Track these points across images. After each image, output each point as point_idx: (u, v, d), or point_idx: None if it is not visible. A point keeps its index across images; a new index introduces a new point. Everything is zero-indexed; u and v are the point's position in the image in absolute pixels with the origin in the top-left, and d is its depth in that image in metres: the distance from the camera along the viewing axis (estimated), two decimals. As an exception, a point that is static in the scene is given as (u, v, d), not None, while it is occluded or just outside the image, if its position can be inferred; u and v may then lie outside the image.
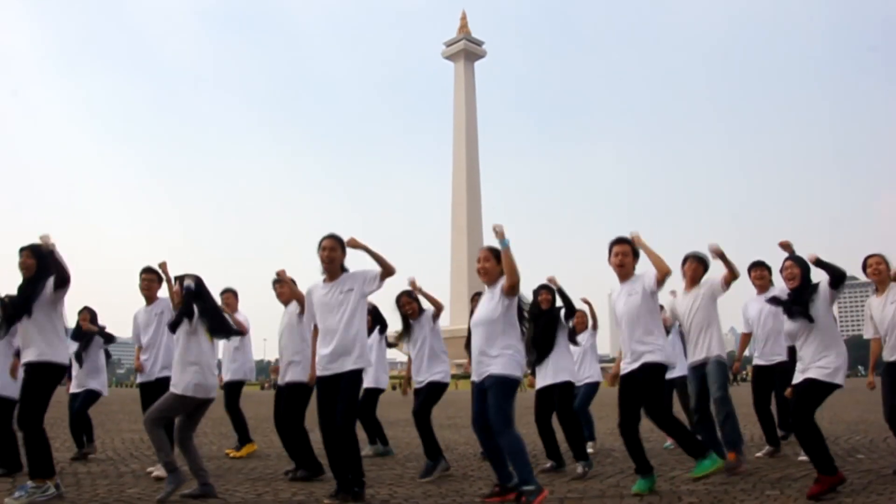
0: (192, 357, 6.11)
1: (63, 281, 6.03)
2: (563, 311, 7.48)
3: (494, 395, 5.48)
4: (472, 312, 6.13)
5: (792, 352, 6.40)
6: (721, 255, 6.56)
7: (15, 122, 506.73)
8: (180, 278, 6.38)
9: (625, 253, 6.13)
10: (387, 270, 5.87)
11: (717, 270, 7.16)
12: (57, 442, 10.78)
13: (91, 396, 9.24)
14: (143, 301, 7.98)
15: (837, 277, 5.98)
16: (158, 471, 7.10)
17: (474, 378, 5.70)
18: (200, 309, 6.22)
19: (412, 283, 7.79)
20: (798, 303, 6.04)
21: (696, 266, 7.14)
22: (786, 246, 6.43)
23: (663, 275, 5.88)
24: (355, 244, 5.88)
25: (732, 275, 6.82)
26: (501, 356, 5.54)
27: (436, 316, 7.80)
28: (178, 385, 6.06)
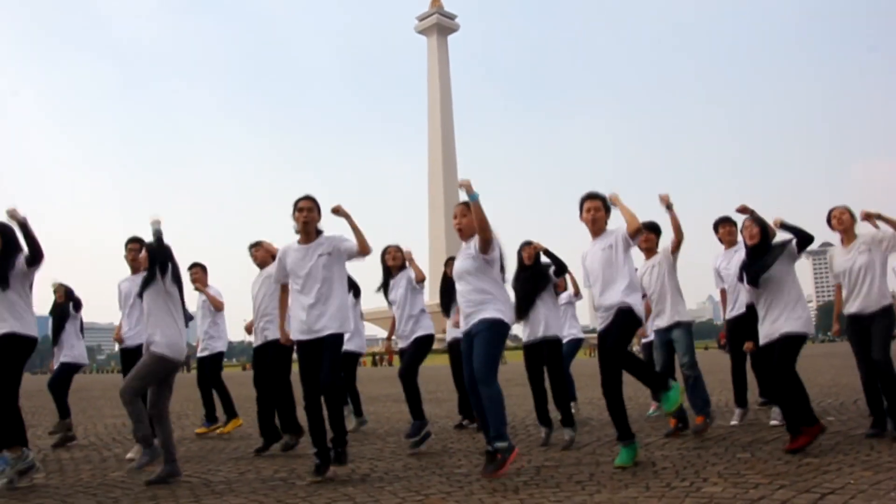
0: (167, 317, 6.11)
1: (36, 258, 6.07)
2: (551, 269, 7.38)
3: (482, 341, 5.61)
4: (444, 277, 6.22)
5: (751, 308, 6.60)
6: (669, 208, 6.73)
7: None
8: (148, 245, 6.36)
9: (596, 208, 6.14)
10: (362, 249, 5.90)
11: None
12: (39, 430, 10.79)
13: (65, 369, 9.20)
14: (127, 272, 8.07)
15: (804, 239, 6.29)
16: (133, 452, 7.23)
17: (462, 330, 5.76)
18: (172, 272, 6.23)
19: (408, 253, 7.89)
20: (755, 266, 6.28)
21: (648, 235, 7.41)
22: (743, 210, 6.60)
23: (634, 230, 5.91)
24: (340, 211, 5.84)
25: (678, 237, 7.05)
26: (491, 301, 5.70)
27: (418, 280, 7.80)
28: (158, 345, 6.04)
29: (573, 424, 7.16)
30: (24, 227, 5.98)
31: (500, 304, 5.76)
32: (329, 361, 5.81)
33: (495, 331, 5.66)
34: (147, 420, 6.08)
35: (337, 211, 5.84)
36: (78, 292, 9.51)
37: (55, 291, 9.33)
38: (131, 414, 6.07)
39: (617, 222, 6.15)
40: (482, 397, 5.64)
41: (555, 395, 7.22)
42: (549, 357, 7.25)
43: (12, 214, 5.93)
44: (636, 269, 7.24)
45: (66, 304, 9.31)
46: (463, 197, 5.77)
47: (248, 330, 7.91)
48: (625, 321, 5.96)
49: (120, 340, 7.97)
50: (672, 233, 7.09)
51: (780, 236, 6.46)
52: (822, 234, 7.02)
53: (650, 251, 7.58)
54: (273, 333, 7.36)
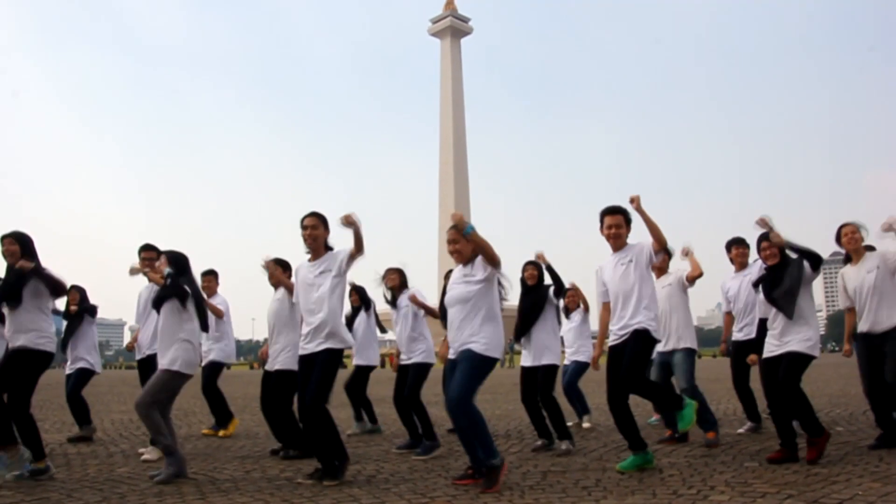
0: (183, 334, 6.12)
1: (58, 291, 6.17)
2: (551, 289, 7.33)
3: (464, 371, 5.30)
4: (443, 290, 5.97)
5: (762, 327, 6.54)
6: (688, 255, 6.74)
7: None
8: (167, 253, 6.35)
9: (618, 224, 6.04)
10: (357, 249, 5.74)
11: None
12: (46, 424, 10.84)
13: (83, 375, 9.12)
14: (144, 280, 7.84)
15: (817, 261, 6.17)
16: (149, 453, 7.11)
17: (450, 356, 5.57)
18: (192, 290, 6.26)
19: (412, 298, 7.72)
20: (779, 291, 6.16)
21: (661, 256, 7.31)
22: (763, 223, 6.48)
23: (661, 246, 5.85)
24: (350, 222, 5.58)
25: (696, 272, 7.08)
26: (482, 334, 5.37)
27: (426, 313, 7.78)
28: (174, 362, 6.03)
29: (570, 437, 7.11)
30: (37, 272, 6.03)
31: (489, 336, 5.40)
32: (317, 381, 5.64)
33: (479, 365, 5.35)
34: (166, 430, 6.00)
35: (349, 222, 5.58)
36: (88, 287, 9.38)
37: (68, 293, 9.13)
38: (150, 427, 6.03)
39: (638, 236, 6.05)
40: (462, 425, 5.34)
41: (550, 418, 7.15)
42: (542, 382, 7.15)
43: (21, 267, 5.98)
44: None
45: (80, 311, 9.16)
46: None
47: (264, 354, 7.72)
48: (640, 346, 5.87)
49: (131, 348, 7.84)
50: (691, 269, 7.16)
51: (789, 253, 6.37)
52: (831, 244, 6.95)
53: (661, 270, 7.45)
54: (280, 363, 7.06)
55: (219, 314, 9.04)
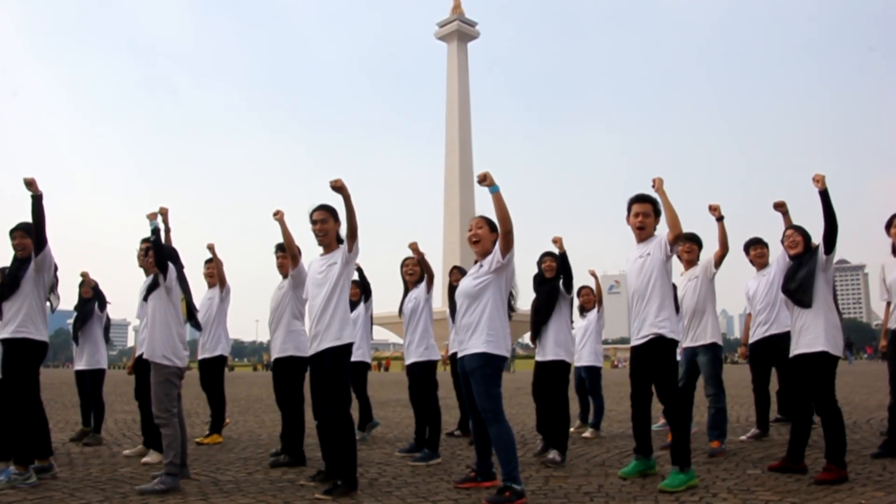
0: (167, 322, 5.86)
1: (39, 243, 5.93)
2: (562, 281, 7.06)
3: (479, 381, 5.13)
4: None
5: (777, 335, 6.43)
6: (719, 220, 6.52)
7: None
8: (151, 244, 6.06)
9: (646, 213, 5.73)
10: (351, 227, 5.51)
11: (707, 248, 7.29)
12: (50, 423, 10.81)
13: (99, 375, 8.93)
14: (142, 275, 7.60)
15: (832, 230, 5.71)
16: (149, 456, 6.99)
17: (459, 354, 5.37)
18: (177, 272, 6.01)
19: (414, 246, 7.53)
20: (793, 283, 5.88)
21: (690, 246, 7.23)
22: (779, 206, 6.41)
23: (674, 235, 5.53)
24: (342, 189, 5.33)
25: (723, 249, 6.77)
26: (485, 330, 5.16)
27: (427, 286, 7.57)
28: (160, 356, 5.79)
29: (563, 449, 6.74)
30: (37, 202, 5.80)
31: (494, 332, 5.18)
32: (334, 385, 5.43)
33: (490, 368, 5.14)
34: (179, 447, 5.70)
35: (338, 188, 5.32)
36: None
37: (81, 285, 8.91)
38: (166, 437, 5.68)
39: (664, 227, 5.73)
40: (491, 436, 5.16)
41: (554, 421, 6.88)
42: (553, 379, 7.02)
43: (30, 184, 5.76)
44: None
45: (92, 301, 8.93)
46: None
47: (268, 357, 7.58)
48: (661, 357, 5.60)
49: (130, 372, 7.62)
50: (717, 245, 6.81)
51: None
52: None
53: (690, 262, 7.27)
54: (278, 350, 6.89)
55: (223, 281, 8.72)
